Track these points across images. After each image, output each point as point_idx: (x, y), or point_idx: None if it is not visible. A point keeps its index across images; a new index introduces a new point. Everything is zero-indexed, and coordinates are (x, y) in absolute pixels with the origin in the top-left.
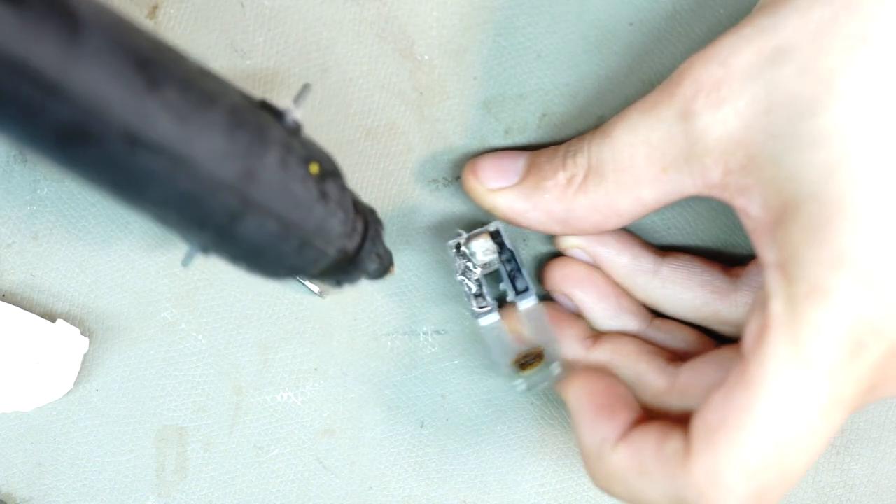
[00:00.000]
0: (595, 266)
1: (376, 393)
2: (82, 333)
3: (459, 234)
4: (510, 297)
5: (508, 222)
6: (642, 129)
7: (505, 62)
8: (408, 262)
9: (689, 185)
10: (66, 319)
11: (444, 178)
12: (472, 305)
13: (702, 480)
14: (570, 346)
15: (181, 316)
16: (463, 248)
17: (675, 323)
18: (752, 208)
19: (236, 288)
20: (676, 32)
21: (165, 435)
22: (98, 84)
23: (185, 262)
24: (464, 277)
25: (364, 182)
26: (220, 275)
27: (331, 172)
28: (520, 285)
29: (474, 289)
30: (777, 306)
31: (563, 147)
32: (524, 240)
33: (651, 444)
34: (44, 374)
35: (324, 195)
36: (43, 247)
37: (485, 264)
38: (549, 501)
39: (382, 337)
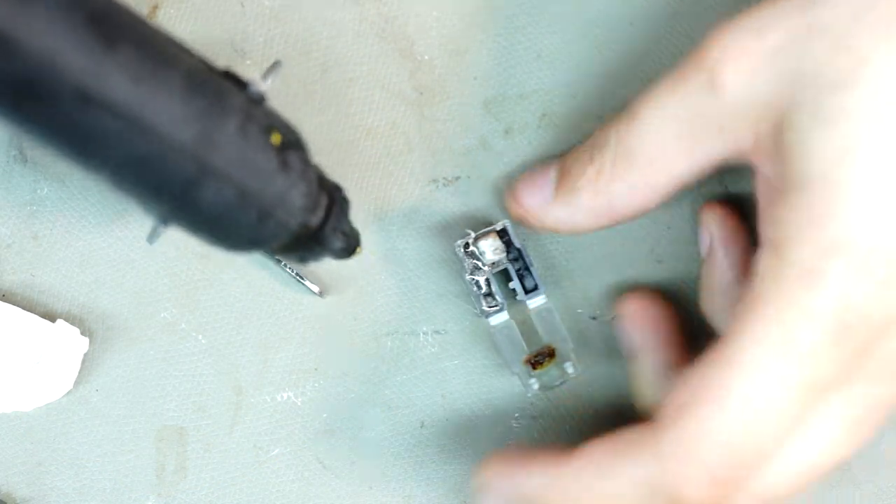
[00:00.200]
0: (671, 317)
1: (376, 393)
2: (82, 333)
3: (468, 234)
4: (520, 295)
5: (567, 233)
6: (671, 105)
7: (505, 62)
8: (408, 261)
9: (721, 152)
10: (66, 319)
11: (444, 178)
12: (481, 305)
13: (671, 455)
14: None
15: (181, 316)
16: (472, 248)
17: None
18: (774, 177)
19: (236, 288)
20: (676, 32)
21: (165, 435)
22: (50, 40)
23: (151, 239)
24: (473, 277)
25: (364, 182)
26: (220, 275)
27: (293, 143)
28: (528, 284)
29: (484, 288)
30: (765, 285)
31: (588, 142)
32: (530, 238)
33: (606, 442)
34: (44, 374)
35: (285, 165)
36: (43, 247)
37: (493, 263)
38: None
39: (382, 337)
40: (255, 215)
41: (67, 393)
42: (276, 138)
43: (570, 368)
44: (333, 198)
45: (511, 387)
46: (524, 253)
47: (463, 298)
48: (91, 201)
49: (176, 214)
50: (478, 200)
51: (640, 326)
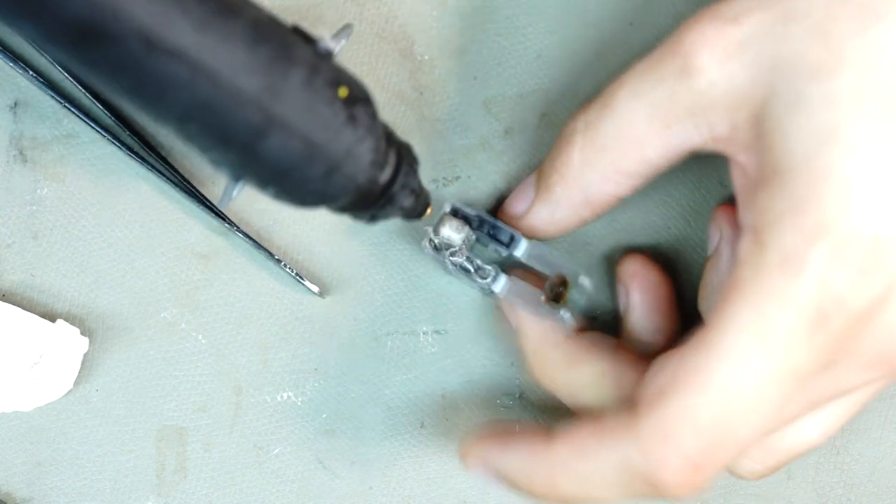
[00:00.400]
0: (667, 279)
1: (376, 393)
2: (82, 333)
3: (426, 231)
4: (504, 252)
5: (558, 233)
6: (644, 90)
7: (505, 62)
8: (408, 261)
9: (695, 138)
10: (66, 319)
11: (444, 178)
12: (478, 282)
13: (649, 439)
14: (553, 330)
15: (181, 316)
16: (435, 241)
17: None
18: (750, 166)
19: (236, 288)
20: None
21: (165, 435)
22: None
23: (223, 203)
24: (455, 262)
25: None
26: (219, 275)
27: (361, 98)
28: (504, 237)
29: (470, 266)
30: (745, 272)
31: (558, 137)
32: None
33: (587, 424)
34: (44, 374)
35: (352, 119)
36: (43, 247)
37: (464, 240)
38: None
39: (382, 337)
40: (323, 169)
41: (67, 393)
42: (343, 92)
43: (585, 282)
44: (402, 155)
45: (511, 386)
46: (483, 216)
47: (465, 296)
48: (91, 201)
49: (244, 167)
50: (478, 200)
51: (636, 285)
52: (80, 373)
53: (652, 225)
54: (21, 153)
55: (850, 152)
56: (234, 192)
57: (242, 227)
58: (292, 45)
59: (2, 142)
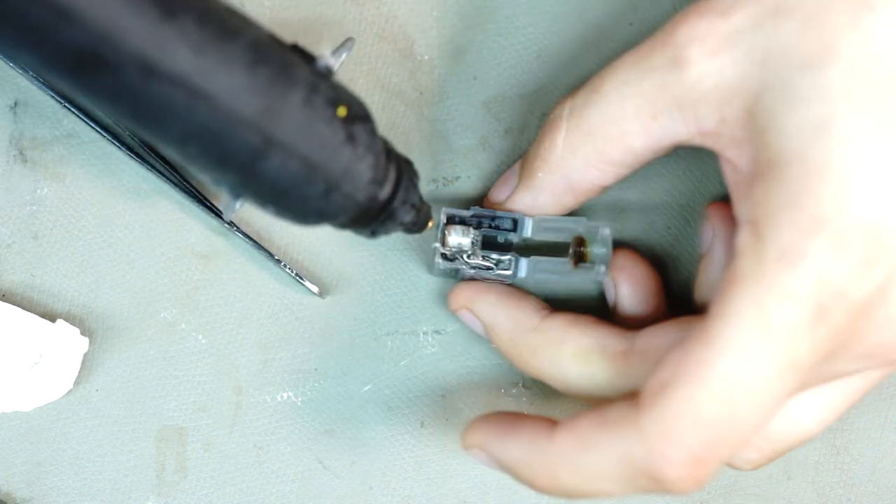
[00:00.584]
0: (654, 273)
1: (376, 393)
2: (82, 333)
3: (435, 248)
4: (514, 238)
5: None
6: (633, 79)
7: (505, 62)
8: (408, 261)
9: (681, 132)
10: (66, 319)
11: (443, 178)
12: (502, 275)
13: (652, 433)
14: (526, 316)
15: (181, 316)
16: (446, 252)
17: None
18: (741, 162)
19: (236, 288)
20: None
21: (165, 435)
22: (110, 10)
23: (226, 215)
24: (473, 266)
25: None
26: (219, 275)
27: (360, 117)
28: (507, 224)
29: (490, 263)
30: (745, 265)
31: (543, 124)
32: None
33: (590, 417)
34: (44, 374)
35: (351, 138)
36: (43, 247)
37: (473, 241)
38: (548, 501)
39: (382, 337)
40: (322, 188)
41: (67, 393)
42: (342, 111)
43: (605, 231)
44: (402, 171)
45: (511, 385)
46: (479, 211)
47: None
48: (91, 201)
49: (243, 186)
50: (478, 200)
51: (624, 278)
52: (80, 373)
53: (652, 225)
54: (21, 153)
55: (845, 144)
56: (237, 206)
57: (242, 227)
58: (291, 65)
59: (2, 142)
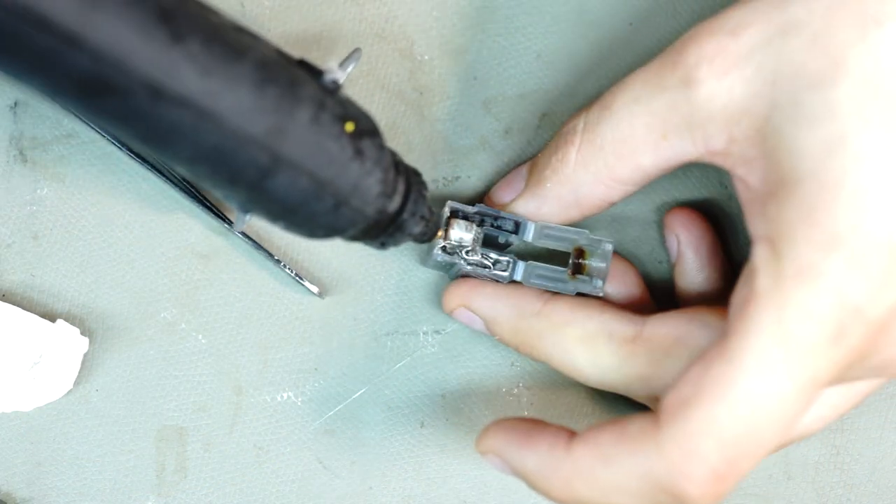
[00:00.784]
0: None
1: (376, 393)
2: (82, 333)
3: (436, 242)
4: (514, 240)
5: None
6: (644, 97)
7: (505, 62)
8: (408, 261)
9: (690, 151)
10: (66, 319)
11: (444, 178)
12: (498, 275)
13: (673, 450)
14: (528, 302)
15: (181, 316)
16: (447, 245)
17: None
18: (752, 179)
19: (236, 288)
20: (676, 32)
21: (165, 435)
22: (117, 35)
23: (237, 226)
24: (472, 263)
25: None
26: (219, 275)
27: (368, 131)
28: (509, 226)
29: (489, 262)
30: (763, 282)
31: (557, 132)
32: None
33: (609, 431)
34: (44, 374)
35: (359, 154)
36: (43, 247)
37: (475, 237)
38: (548, 501)
39: (382, 337)
40: (331, 204)
41: (67, 393)
42: (349, 126)
43: (607, 246)
44: (411, 183)
45: (511, 385)
46: (484, 209)
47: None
48: (91, 201)
49: (253, 203)
50: (477, 200)
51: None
52: (80, 373)
53: (652, 225)
54: (21, 153)
55: (858, 161)
56: (247, 219)
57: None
58: (298, 82)
59: (2, 142)
